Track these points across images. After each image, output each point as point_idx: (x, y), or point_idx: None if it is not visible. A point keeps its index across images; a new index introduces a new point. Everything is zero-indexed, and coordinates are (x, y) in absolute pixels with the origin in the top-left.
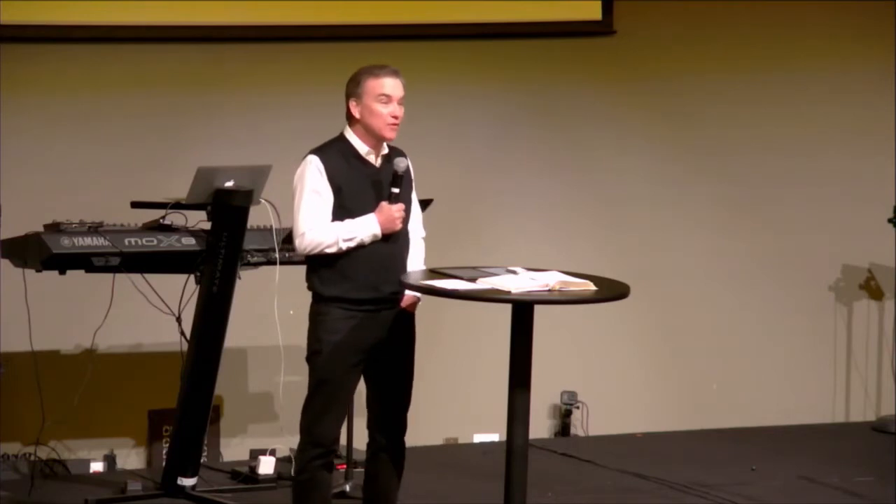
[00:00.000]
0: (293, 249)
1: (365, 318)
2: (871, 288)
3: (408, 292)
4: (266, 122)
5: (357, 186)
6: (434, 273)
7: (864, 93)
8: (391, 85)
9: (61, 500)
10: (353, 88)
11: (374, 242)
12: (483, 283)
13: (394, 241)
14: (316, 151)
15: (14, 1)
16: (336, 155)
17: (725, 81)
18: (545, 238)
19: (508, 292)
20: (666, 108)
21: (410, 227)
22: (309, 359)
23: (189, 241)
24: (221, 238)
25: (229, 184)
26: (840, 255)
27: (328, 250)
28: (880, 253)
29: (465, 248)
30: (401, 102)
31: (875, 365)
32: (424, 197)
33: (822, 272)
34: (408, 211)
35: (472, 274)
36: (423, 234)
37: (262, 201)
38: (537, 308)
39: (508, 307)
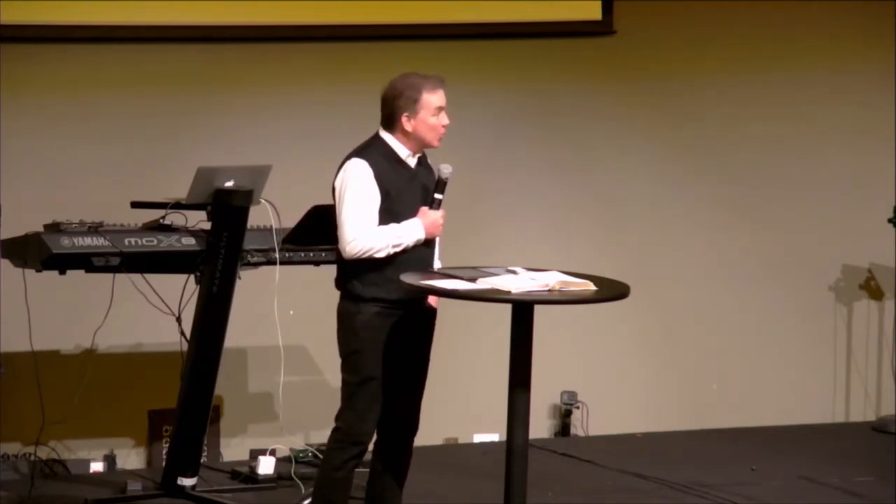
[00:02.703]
0: (293, 249)
1: (400, 316)
2: (871, 288)
3: None
4: (266, 122)
5: (403, 190)
6: (434, 273)
7: (864, 93)
8: (443, 96)
9: (61, 500)
10: (406, 104)
11: (415, 245)
12: (483, 283)
13: (429, 243)
14: (361, 155)
15: (14, 1)
16: (380, 159)
17: (725, 81)
18: (545, 238)
19: (508, 292)
20: (666, 108)
21: None
22: (348, 358)
23: (189, 241)
24: (221, 238)
25: (229, 184)
26: (840, 255)
27: (377, 255)
28: (880, 253)
29: (465, 248)
30: None
31: (875, 365)
32: None
33: (822, 272)
34: None
35: (472, 274)
36: None
37: (262, 201)
38: (537, 308)
39: (508, 307)
